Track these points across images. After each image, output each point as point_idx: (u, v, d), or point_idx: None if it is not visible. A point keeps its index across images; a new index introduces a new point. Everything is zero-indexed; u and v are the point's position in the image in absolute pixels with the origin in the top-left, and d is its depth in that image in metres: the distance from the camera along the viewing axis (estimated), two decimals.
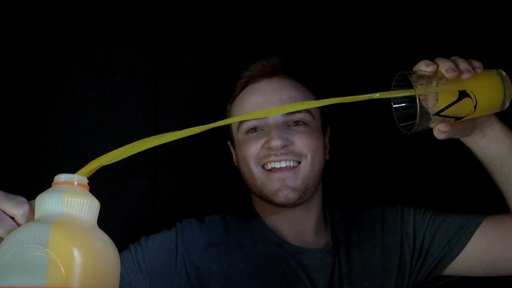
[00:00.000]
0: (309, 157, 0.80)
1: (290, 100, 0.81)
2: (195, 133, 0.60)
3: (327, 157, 0.87)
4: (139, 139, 0.95)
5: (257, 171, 0.81)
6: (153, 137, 0.59)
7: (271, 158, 0.79)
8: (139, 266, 0.78)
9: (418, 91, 0.61)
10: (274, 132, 0.79)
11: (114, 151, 0.58)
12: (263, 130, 0.81)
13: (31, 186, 0.90)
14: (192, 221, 0.84)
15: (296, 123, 0.82)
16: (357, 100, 0.62)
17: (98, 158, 0.57)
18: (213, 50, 1.01)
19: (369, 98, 0.62)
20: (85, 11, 0.95)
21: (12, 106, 0.91)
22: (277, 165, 0.79)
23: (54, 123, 0.93)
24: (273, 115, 0.80)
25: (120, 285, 0.74)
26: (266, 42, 1.02)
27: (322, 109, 0.87)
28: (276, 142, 0.78)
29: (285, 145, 0.79)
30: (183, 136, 0.59)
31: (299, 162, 0.80)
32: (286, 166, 0.79)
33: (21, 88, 0.92)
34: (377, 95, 0.62)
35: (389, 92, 0.64)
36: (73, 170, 0.90)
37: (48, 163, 0.92)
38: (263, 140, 0.80)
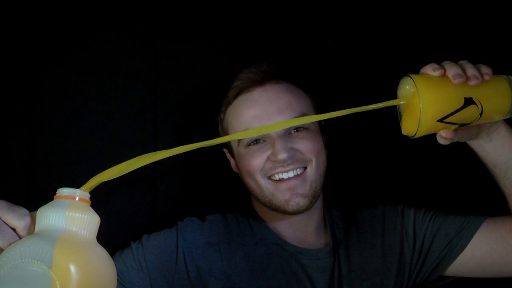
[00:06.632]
0: (314, 161, 0.80)
1: (287, 106, 0.80)
2: (196, 148, 0.61)
3: (326, 151, 0.87)
4: (139, 140, 0.97)
5: (264, 182, 0.80)
6: (152, 153, 0.60)
7: (279, 170, 0.78)
8: (140, 264, 0.78)
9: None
10: (278, 144, 0.78)
11: (115, 166, 0.58)
12: (265, 141, 0.80)
13: (31, 187, 0.90)
14: (193, 220, 0.85)
15: (297, 129, 0.81)
16: (363, 110, 0.62)
17: (99, 174, 0.57)
18: (213, 51, 1.01)
19: (370, 109, 0.63)
20: (85, 12, 0.94)
21: (12, 106, 0.91)
22: (285, 175, 0.78)
23: (54, 123, 0.93)
24: None
25: (121, 283, 0.75)
26: (265, 42, 1.02)
27: (318, 107, 0.87)
28: (282, 156, 0.77)
29: (291, 156, 0.78)
30: (183, 152, 0.60)
31: (305, 168, 0.80)
32: (294, 175, 0.79)
33: (21, 88, 0.92)
34: (375, 105, 0.63)
35: (391, 101, 0.64)
36: (73, 171, 0.91)
37: (48, 164, 0.92)
38: (268, 153, 0.79)
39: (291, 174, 0.79)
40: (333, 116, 0.64)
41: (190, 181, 1.00)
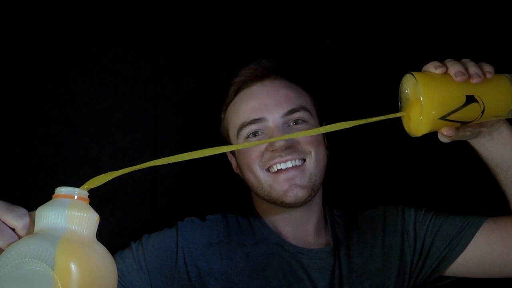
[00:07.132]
0: (313, 153, 0.80)
1: (286, 99, 0.81)
2: (198, 157, 0.61)
3: (327, 152, 0.87)
4: (139, 140, 0.96)
5: (263, 175, 0.80)
6: (154, 160, 0.60)
7: (276, 160, 0.78)
8: (140, 264, 0.78)
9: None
10: (276, 134, 0.78)
11: (118, 171, 0.58)
12: (264, 133, 0.81)
13: (31, 187, 0.90)
14: (194, 220, 0.84)
15: (296, 121, 0.81)
16: (365, 122, 0.63)
17: (98, 176, 0.57)
18: (213, 51, 1.01)
19: (373, 121, 0.63)
20: (85, 13, 0.94)
21: (12, 107, 0.91)
22: (283, 166, 0.78)
23: (54, 123, 0.93)
24: (273, 117, 0.80)
25: (121, 283, 0.75)
26: (265, 43, 1.02)
27: (318, 106, 0.87)
28: (279, 143, 0.77)
29: (288, 145, 0.78)
30: (186, 159, 0.60)
31: (304, 160, 0.80)
32: (292, 165, 0.79)
33: (21, 88, 0.92)
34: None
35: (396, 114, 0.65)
36: (72, 171, 0.91)
37: (48, 164, 0.92)
38: (266, 143, 0.80)
39: (289, 164, 0.78)
40: (336, 129, 0.64)
41: (190, 181, 1.00)
